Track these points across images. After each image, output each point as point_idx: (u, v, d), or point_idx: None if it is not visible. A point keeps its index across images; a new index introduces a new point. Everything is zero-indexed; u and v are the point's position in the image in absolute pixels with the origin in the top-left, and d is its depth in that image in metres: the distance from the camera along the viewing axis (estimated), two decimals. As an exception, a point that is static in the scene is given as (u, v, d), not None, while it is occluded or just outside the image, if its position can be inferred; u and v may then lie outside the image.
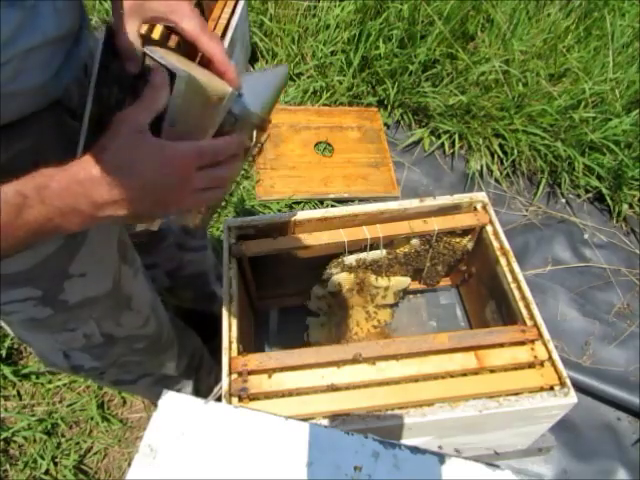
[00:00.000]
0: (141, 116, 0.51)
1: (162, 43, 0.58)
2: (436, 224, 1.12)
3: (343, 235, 1.11)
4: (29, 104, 0.55)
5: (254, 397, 0.88)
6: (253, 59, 2.23)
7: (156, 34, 0.58)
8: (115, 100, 0.58)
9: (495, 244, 1.08)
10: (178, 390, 1.21)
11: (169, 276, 1.17)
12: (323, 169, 1.91)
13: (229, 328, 0.95)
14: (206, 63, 0.58)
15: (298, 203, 1.82)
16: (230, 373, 0.89)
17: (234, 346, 0.93)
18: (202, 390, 1.28)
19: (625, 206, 1.81)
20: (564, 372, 0.90)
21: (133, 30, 0.57)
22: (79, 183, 0.49)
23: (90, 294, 0.75)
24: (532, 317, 0.97)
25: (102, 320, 0.83)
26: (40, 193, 0.47)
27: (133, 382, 1.08)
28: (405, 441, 0.89)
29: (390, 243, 1.17)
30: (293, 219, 1.11)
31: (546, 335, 0.94)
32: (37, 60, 0.52)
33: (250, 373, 0.89)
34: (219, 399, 0.87)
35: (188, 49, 0.60)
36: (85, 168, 0.49)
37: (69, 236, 0.67)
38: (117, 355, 0.95)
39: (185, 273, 1.18)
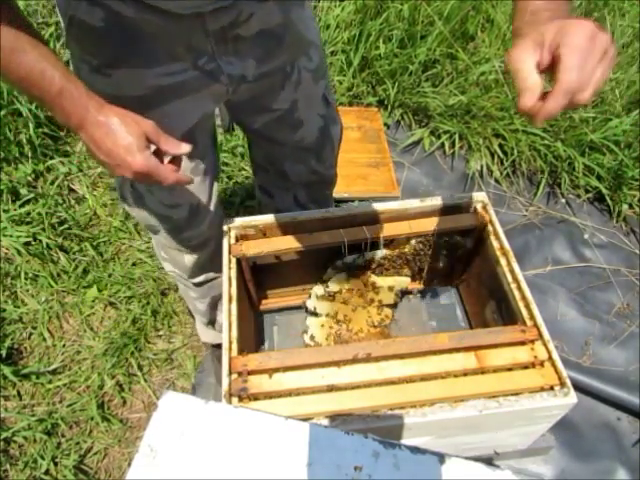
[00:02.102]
0: (150, 130, 0.77)
1: None
2: (436, 224, 1.12)
3: (343, 235, 1.11)
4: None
5: (254, 397, 0.88)
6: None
7: None
8: None
9: (495, 244, 1.08)
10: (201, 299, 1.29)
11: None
12: (323, 169, 1.90)
13: (229, 328, 0.95)
14: None
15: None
16: (230, 373, 0.89)
17: (234, 346, 0.93)
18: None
19: (625, 206, 1.80)
20: (564, 372, 0.90)
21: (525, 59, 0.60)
22: (86, 108, 0.72)
23: None
24: (532, 317, 0.97)
25: None
26: (67, 78, 0.70)
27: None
28: (405, 441, 0.89)
29: (390, 243, 1.17)
30: (293, 219, 1.11)
31: (546, 335, 0.94)
32: None
33: (250, 373, 0.89)
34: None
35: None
36: (99, 110, 0.73)
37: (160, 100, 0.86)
38: (148, 218, 1.06)
39: None
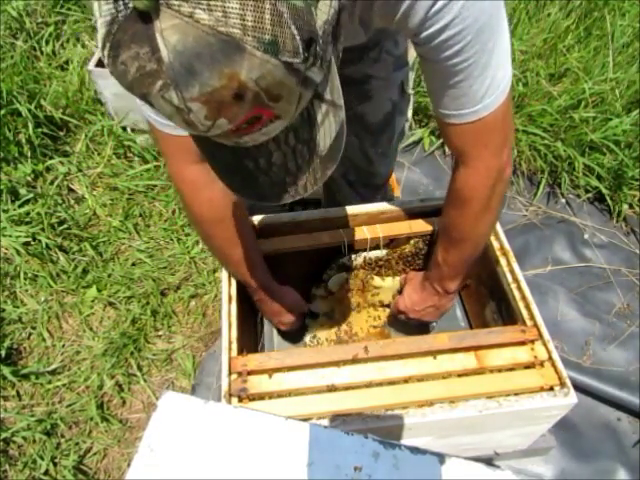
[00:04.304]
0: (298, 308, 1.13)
1: None
2: (436, 224, 1.12)
3: (343, 235, 1.11)
4: None
5: (254, 397, 0.88)
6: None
7: None
8: None
9: (495, 244, 1.08)
10: None
11: None
12: (323, 169, 1.90)
13: (229, 328, 0.95)
14: None
15: (298, 203, 1.82)
16: (230, 373, 0.89)
17: (234, 346, 0.93)
18: None
19: (625, 206, 1.80)
20: (564, 372, 0.90)
21: None
22: (272, 292, 1.06)
23: None
24: (532, 317, 0.97)
25: None
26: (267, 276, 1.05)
27: None
28: (405, 441, 0.89)
29: (390, 243, 1.17)
30: (293, 219, 1.11)
31: (546, 335, 0.94)
32: None
33: (250, 373, 0.88)
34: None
35: None
36: (279, 293, 1.08)
37: None
38: None
39: None
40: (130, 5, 0.39)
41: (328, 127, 0.54)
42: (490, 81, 0.69)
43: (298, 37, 0.41)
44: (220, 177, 0.60)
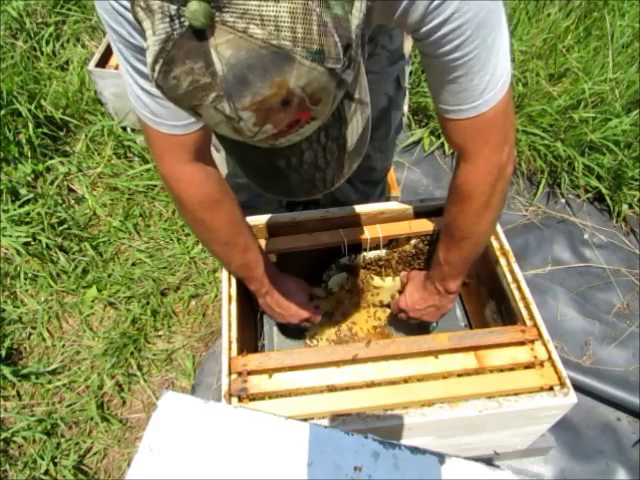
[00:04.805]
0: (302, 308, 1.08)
1: None
2: (436, 224, 1.12)
3: (343, 235, 1.11)
4: None
5: (254, 397, 0.88)
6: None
7: None
8: None
9: (495, 244, 1.08)
10: None
11: None
12: (323, 169, 1.90)
13: (229, 328, 0.95)
14: None
15: (298, 204, 1.82)
16: (230, 373, 0.89)
17: (234, 346, 0.93)
18: None
19: (625, 206, 1.80)
20: (564, 372, 0.90)
21: None
22: (274, 282, 1.03)
23: None
24: (532, 317, 0.97)
25: None
26: (266, 264, 1.01)
27: None
28: (405, 441, 0.89)
29: (390, 243, 1.17)
30: (293, 219, 1.11)
31: (546, 335, 0.94)
32: None
33: (250, 373, 0.88)
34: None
35: None
36: (282, 282, 1.05)
37: None
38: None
39: None
40: (186, 24, 0.41)
41: (356, 124, 0.57)
42: (490, 77, 0.70)
43: (339, 44, 0.44)
44: (249, 177, 0.62)
